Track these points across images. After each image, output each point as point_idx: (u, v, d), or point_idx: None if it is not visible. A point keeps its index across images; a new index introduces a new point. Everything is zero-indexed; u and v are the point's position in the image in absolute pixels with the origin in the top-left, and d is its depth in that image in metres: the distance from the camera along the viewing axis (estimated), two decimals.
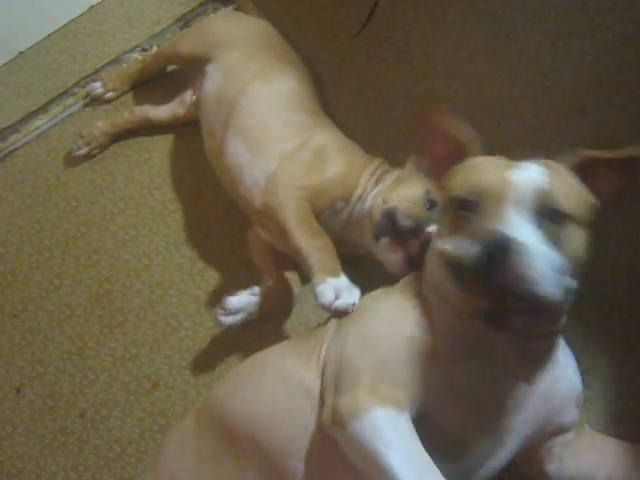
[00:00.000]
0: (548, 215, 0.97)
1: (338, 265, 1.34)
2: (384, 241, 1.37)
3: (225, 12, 1.96)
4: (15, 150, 1.91)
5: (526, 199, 0.97)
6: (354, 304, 1.23)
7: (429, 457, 0.95)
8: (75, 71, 1.98)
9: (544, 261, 0.92)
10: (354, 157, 1.52)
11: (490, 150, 1.11)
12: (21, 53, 2.02)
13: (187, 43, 1.77)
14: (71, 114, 1.93)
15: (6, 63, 2.01)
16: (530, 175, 1.00)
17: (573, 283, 0.99)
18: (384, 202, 1.39)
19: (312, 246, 1.37)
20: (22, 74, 2.00)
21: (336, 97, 1.75)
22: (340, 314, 1.23)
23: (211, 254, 1.69)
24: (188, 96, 1.80)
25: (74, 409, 1.59)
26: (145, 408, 1.56)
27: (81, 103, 1.94)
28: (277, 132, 1.56)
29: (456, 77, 1.66)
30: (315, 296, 1.28)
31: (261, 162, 1.53)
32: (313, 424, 1.08)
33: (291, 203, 1.44)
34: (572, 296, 1.00)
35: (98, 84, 1.91)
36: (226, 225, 1.71)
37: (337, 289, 1.27)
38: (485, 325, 0.99)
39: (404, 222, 1.33)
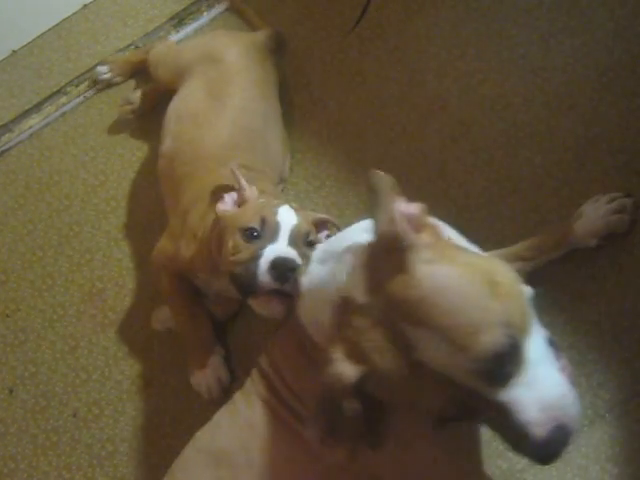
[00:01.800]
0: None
1: (209, 349, 1.45)
2: (252, 301, 1.21)
3: (207, 34, 1.88)
4: (8, 149, 1.92)
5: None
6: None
7: None
8: (68, 70, 1.98)
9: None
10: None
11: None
12: (14, 52, 2.02)
13: (163, 70, 1.71)
14: (64, 113, 1.93)
15: None
16: None
17: None
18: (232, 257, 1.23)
19: (187, 327, 1.46)
20: (15, 73, 2.00)
21: (328, 94, 1.74)
22: None
23: None
24: None
25: (67, 408, 1.59)
26: (138, 407, 1.56)
27: (75, 102, 1.94)
28: (178, 186, 1.49)
29: (448, 74, 1.66)
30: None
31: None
32: None
33: (163, 281, 1.48)
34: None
35: (105, 68, 1.90)
36: None
37: (207, 382, 1.43)
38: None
39: (263, 279, 1.16)
